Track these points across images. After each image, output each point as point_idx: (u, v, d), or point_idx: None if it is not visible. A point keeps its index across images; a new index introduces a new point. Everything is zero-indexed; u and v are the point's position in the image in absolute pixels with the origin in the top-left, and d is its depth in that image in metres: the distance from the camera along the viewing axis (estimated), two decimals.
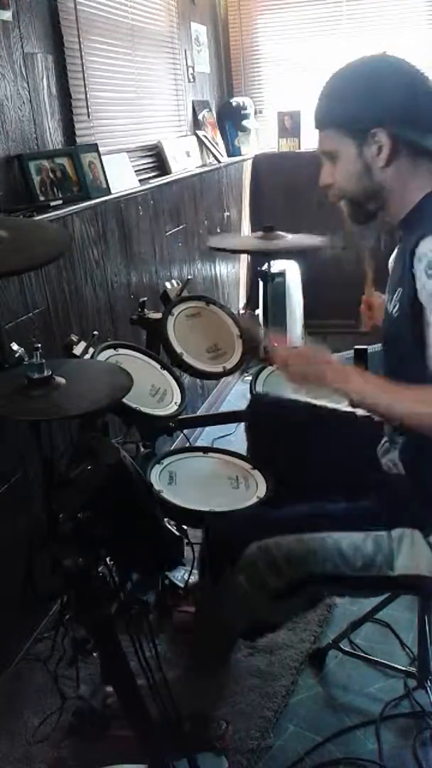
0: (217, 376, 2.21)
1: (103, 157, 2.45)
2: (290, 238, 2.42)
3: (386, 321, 1.39)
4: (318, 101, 1.36)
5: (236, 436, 2.93)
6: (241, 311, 4.18)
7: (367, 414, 1.73)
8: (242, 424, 1.95)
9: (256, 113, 4.29)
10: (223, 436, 2.99)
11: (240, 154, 4.11)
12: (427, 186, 1.31)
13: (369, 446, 1.59)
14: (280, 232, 2.42)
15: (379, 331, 1.52)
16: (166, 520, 1.74)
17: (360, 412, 1.75)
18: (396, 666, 1.86)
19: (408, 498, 1.38)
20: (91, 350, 1.81)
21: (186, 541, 1.80)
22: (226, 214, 3.89)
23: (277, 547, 1.36)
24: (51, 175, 2.17)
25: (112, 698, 1.69)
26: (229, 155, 4.00)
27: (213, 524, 1.52)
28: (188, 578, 2.03)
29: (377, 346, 1.55)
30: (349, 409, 1.84)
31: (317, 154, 1.40)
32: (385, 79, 1.29)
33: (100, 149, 2.45)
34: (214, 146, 3.74)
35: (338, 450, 1.64)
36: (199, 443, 2.87)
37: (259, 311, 3.14)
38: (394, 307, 1.32)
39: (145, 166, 3.04)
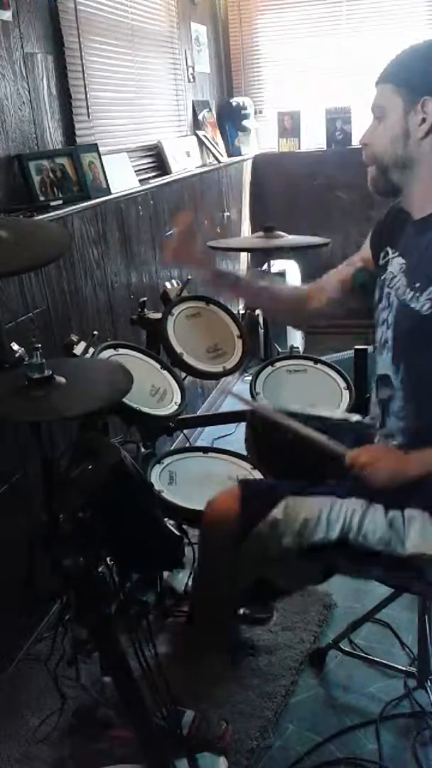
0: (217, 376, 2.21)
1: (103, 157, 2.45)
2: (290, 238, 2.43)
3: (409, 316, 1.37)
4: (391, 59, 1.40)
5: (236, 436, 2.93)
6: (241, 311, 4.18)
7: (361, 420, 1.73)
8: (242, 424, 1.94)
9: (256, 113, 4.29)
10: (223, 436, 2.99)
11: (240, 154, 4.11)
12: None
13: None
14: (280, 232, 2.43)
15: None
16: (166, 520, 1.74)
17: (355, 417, 1.76)
18: (396, 666, 1.86)
19: (411, 485, 1.39)
20: (91, 350, 1.81)
21: (186, 541, 1.80)
22: (226, 214, 3.89)
23: (310, 505, 1.38)
24: (51, 175, 2.17)
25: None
26: (229, 155, 4.00)
27: (245, 481, 1.51)
28: (187, 582, 2.03)
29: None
30: (343, 417, 1.84)
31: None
32: None
33: (100, 149, 2.45)
34: (214, 146, 3.74)
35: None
36: (199, 443, 2.87)
37: (259, 311, 3.14)
38: (424, 305, 1.31)
39: (145, 166, 3.04)
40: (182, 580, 2.05)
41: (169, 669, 1.55)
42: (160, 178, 3.02)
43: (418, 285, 1.34)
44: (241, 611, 1.97)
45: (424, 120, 1.30)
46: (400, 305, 1.39)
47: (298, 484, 1.45)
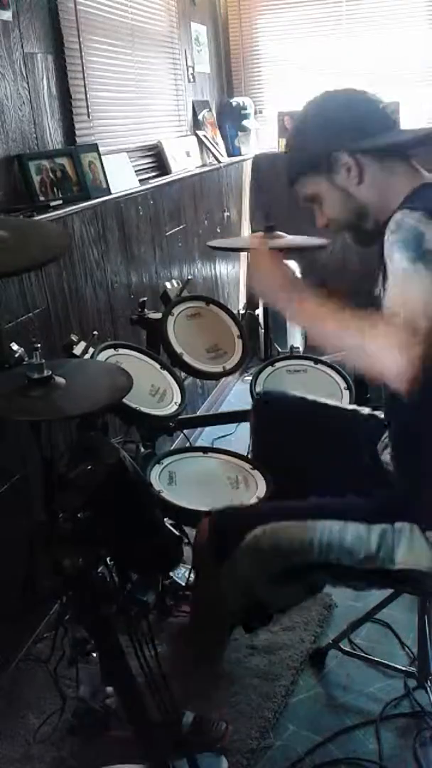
0: (217, 376, 2.21)
1: (103, 157, 2.45)
2: (290, 238, 2.42)
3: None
4: (287, 159, 1.46)
5: (236, 436, 2.93)
6: (241, 311, 4.19)
7: (372, 413, 1.73)
8: (242, 424, 1.95)
9: (256, 113, 4.29)
10: (223, 436, 2.99)
11: (240, 154, 4.11)
12: (409, 182, 1.33)
13: (370, 442, 1.60)
14: (280, 232, 2.42)
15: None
16: (166, 520, 1.74)
17: (366, 410, 1.76)
18: (396, 666, 1.86)
19: (403, 493, 1.39)
20: (91, 350, 1.81)
21: (186, 541, 1.80)
22: (226, 214, 3.89)
23: (283, 531, 1.38)
24: (51, 175, 2.17)
25: (112, 699, 1.69)
26: (229, 155, 4.00)
27: (219, 511, 1.52)
28: (189, 576, 2.03)
29: None
30: (352, 406, 1.85)
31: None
32: (327, 110, 1.40)
33: (100, 149, 2.45)
34: (214, 146, 3.74)
35: (340, 446, 1.64)
36: (199, 443, 2.87)
37: (259, 311, 3.14)
38: (379, 292, 1.32)
39: (145, 166, 3.04)
40: (184, 574, 2.05)
41: (169, 669, 1.55)
42: (160, 178, 3.02)
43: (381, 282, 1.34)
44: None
45: (349, 170, 1.35)
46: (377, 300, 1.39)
47: (274, 508, 1.47)
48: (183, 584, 2.04)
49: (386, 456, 1.51)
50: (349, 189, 1.37)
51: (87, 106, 2.48)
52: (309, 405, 1.78)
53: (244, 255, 4.17)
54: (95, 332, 1.92)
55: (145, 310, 2.20)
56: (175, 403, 1.94)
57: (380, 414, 1.67)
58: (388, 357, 1.12)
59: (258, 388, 2.21)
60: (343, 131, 1.35)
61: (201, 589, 1.60)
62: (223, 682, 1.85)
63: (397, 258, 1.17)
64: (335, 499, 1.43)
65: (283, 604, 1.57)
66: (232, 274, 4.06)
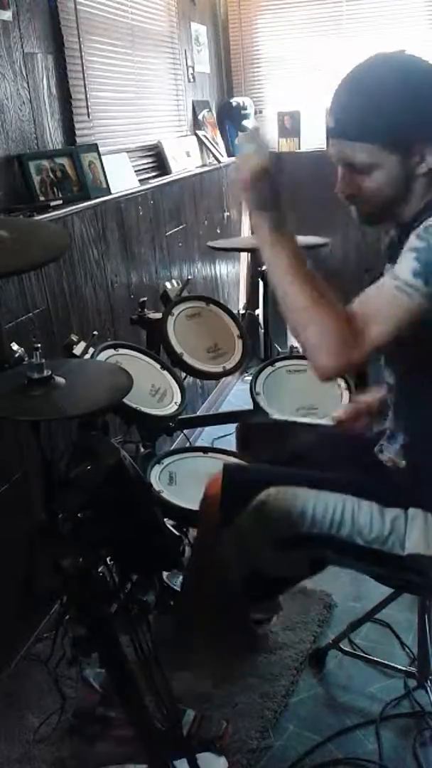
0: (217, 376, 2.21)
1: (103, 157, 2.45)
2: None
3: None
4: (348, 113, 1.26)
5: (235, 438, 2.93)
6: (241, 311, 4.19)
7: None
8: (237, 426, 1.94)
9: (256, 113, 4.29)
10: (223, 436, 2.98)
11: None
12: None
13: (365, 454, 1.58)
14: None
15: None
16: (166, 520, 1.74)
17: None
18: (396, 666, 1.86)
19: (413, 485, 1.38)
20: (91, 350, 1.81)
21: (186, 541, 1.80)
22: (226, 214, 3.89)
23: (295, 497, 1.35)
24: (51, 175, 2.17)
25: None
26: (229, 155, 3.99)
27: (231, 469, 1.47)
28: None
29: None
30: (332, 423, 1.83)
31: (326, 159, 1.34)
32: (421, 88, 1.23)
33: (100, 149, 2.45)
34: (214, 146, 3.74)
35: (335, 463, 1.62)
36: (199, 443, 2.87)
37: (259, 311, 3.14)
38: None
39: (145, 166, 3.04)
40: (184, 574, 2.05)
41: (169, 669, 1.55)
42: (160, 178, 3.02)
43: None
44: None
45: (422, 158, 1.24)
46: None
47: (288, 472, 1.43)
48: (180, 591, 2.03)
49: (386, 458, 1.50)
50: (414, 175, 1.25)
51: (87, 106, 2.48)
52: (288, 427, 1.75)
53: (244, 255, 4.18)
54: (95, 332, 1.93)
55: (145, 310, 2.20)
56: (175, 403, 1.94)
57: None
58: (324, 342, 1.13)
59: (258, 388, 2.21)
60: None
61: (202, 550, 1.55)
62: (223, 683, 1.85)
63: (404, 261, 1.16)
64: (352, 477, 1.41)
65: (283, 572, 1.52)
66: (232, 274, 4.06)
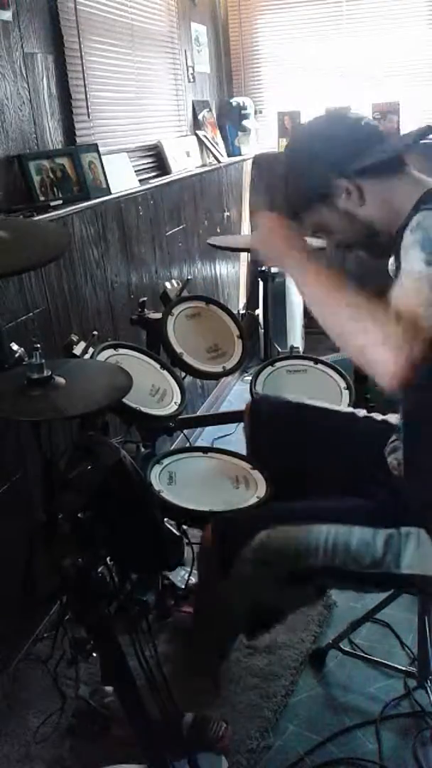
0: (217, 376, 2.21)
1: (103, 157, 2.45)
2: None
3: None
4: (284, 201, 1.45)
5: (236, 436, 2.93)
6: (241, 311, 4.19)
7: (369, 414, 1.73)
8: (242, 424, 1.94)
9: (256, 113, 4.29)
10: (223, 436, 2.99)
11: (240, 154, 4.10)
12: (413, 192, 1.30)
13: (372, 446, 1.59)
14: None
15: None
16: (166, 520, 1.74)
17: (362, 413, 1.76)
18: (396, 666, 1.86)
19: (410, 497, 1.38)
20: (91, 350, 1.81)
21: (186, 541, 1.80)
22: (226, 214, 3.89)
23: (287, 536, 1.38)
24: (51, 175, 2.17)
25: (112, 698, 1.69)
26: (229, 155, 4.00)
27: (222, 520, 1.51)
28: (188, 579, 2.03)
29: None
30: (350, 409, 1.84)
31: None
32: (310, 143, 1.39)
33: (100, 149, 2.45)
34: (214, 146, 3.74)
35: (340, 451, 1.63)
36: (199, 443, 2.87)
37: (259, 311, 3.14)
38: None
39: (145, 166, 3.04)
40: (184, 576, 2.05)
41: (169, 669, 1.55)
42: (160, 178, 3.02)
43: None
44: None
45: (348, 193, 1.34)
46: None
47: (278, 511, 1.46)
48: (182, 587, 2.04)
49: (393, 460, 1.51)
50: (354, 211, 1.36)
51: (87, 106, 2.48)
52: (303, 408, 1.77)
53: (244, 255, 4.17)
54: (95, 332, 1.92)
55: (145, 310, 2.20)
56: (175, 403, 1.94)
57: (390, 418, 1.66)
58: (383, 353, 1.11)
59: (258, 388, 2.21)
60: (332, 158, 1.35)
61: (205, 597, 1.59)
62: (223, 685, 1.85)
63: (411, 258, 1.17)
64: (339, 502, 1.43)
65: (291, 605, 1.56)
66: (232, 274, 4.06)
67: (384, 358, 1.10)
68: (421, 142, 1.34)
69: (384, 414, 1.71)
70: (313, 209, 1.40)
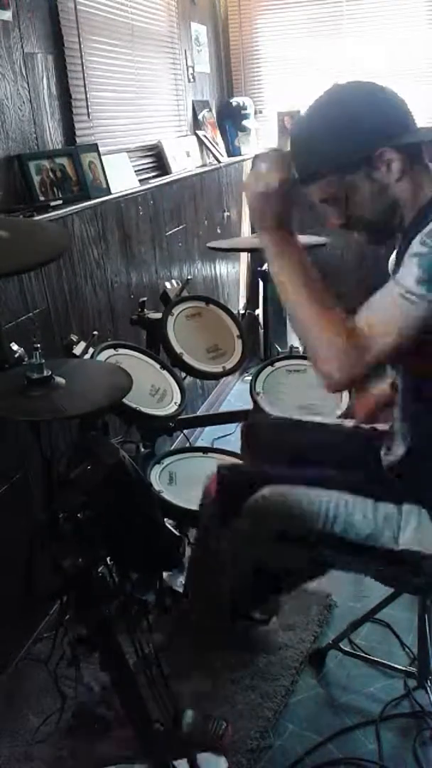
0: (217, 376, 2.22)
1: (103, 157, 2.45)
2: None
3: None
4: (301, 159, 1.34)
5: (236, 436, 2.92)
6: (241, 311, 4.19)
7: (359, 425, 1.72)
8: (242, 424, 1.94)
9: (256, 113, 4.29)
10: (223, 436, 2.99)
11: (240, 154, 4.10)
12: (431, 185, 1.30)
13: (365, 454, 1.58)
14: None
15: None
16: (166, 520, 1.74)
17: (347, 422, 1.75)
18: (396, 666, 1.86)
19: (411, 482, 1.38)
20: (91, 350, 1.81)
21: (186, 541, 1.80)
22: (226, 214, 3.89)
23: (290, 495, 1.37)
24: (51, 175, 2.17)
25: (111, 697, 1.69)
26: (229, 155, 4.00)
27: (225, 471, 1.49)
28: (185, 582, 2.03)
29: None
30: (339, 421, 1.83)
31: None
32: (359, 105, 1.30)
33: (100, 149, 2.45)
34: (214, 146, 3.74)
35: (336, 465, 1.62)
36: (199, 443, 2.87)
37: (259, 311, 3.14)
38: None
39: (145, 166, 3.04)
40: (182, 581, 2.05)
41: (169, 669, 1.55)
42: (160, 178, 3.02)
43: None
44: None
45: (389, 166, 1.28)
46: None
47: (283, 471, 1.45)
48: (181, 592, 2.03)
49: (387, 460, 1.50)
50: (388, 184, 1.29)
51: (87, 106, 2.48)
52: (299, 427, 1.75)
53: (244, 255, 4.17)
54: (95, 332, 1.93)
55: (145, 310, 2.20)
56: (175, 403, 1.94)
57: (378, 425, 1.65)
58: (330, 359, 1.17)
59: (258, 388, 2.21)
60: (379, 125, 1.27)
61: (203, 553, 1.57)
62: (222, 678, 1.85)
63: (407, 270, 1.16)
64: (344, 474, 1.42)
65: (285, 566, 1.54)
66: (232, 274, 4.06)
67: (329, 365, 1.18)
68: None
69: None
70: (341, 173, 1.30)
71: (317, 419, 1.79)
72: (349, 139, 1.28)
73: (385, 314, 1.18)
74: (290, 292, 1.28)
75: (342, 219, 1.36)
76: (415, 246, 1.17)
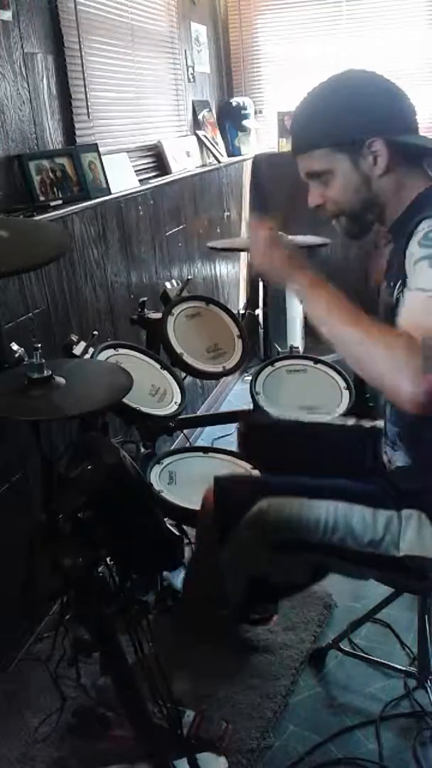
0: (217, 376, 2.21)
1: (103, 157, 2.45)
2: (290, 238, 2.42)
3: (386, 311, 1.36)
4: (299, 126, 1.37)
5: (236, 436, 2.93)
6: (241, 311, 4.19)
7: (359, 423, 1.72)
8: (238, 427, 1.94)
9: (256, 113, 4.30)
10: (223, 436, 2.98)
11: (240, 154, 4.11)
12: (421, 185, 1.31)
13: (366, 453, 1.58)
14: (280, 233, 2.43)
15: None
16: (165, 520, 1.74)
17: (350, 422, 1.75)
18: (396, 666, 1.86)
19: (411, 484, 1.38)
20: (91, 350, 1.81)
21: (186, 541, 1.80)
22: (226, 214, 3.89)
23: (287, 506, 1.37)
24: (51, 175, 2.17)
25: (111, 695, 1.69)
26: (229, 155, 4.00)
27: (223, 483, 1.48)
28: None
29: None
30: (340, 421, 1.83)
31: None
32: (368, 92, 1.32)
33: (100, 149, 2.45)
34: (214, 146, 3.74)
35: (336, 463, 1.62)
36: (199, 443, 2.87)
37: (259, 311, 3.14)
38: (397, 298, 1.30)
39: (145, 166, 3.04)
40: (182, 580, 2.05)
41: (169, 668, 1.55)
42: (160, 178, 3.02)
43: (392, 284, 1.32)
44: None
45: (376, 159, 1.29)
46: (383, 301, 1.38)
47: (281, 482, 1.44)
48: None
49: (384, 457, 1.51)
50: (370, 177, 1.31)
51: (87, 106, 2.48)
52: (299, 427, 1.74)
53: (244, 255, 4.17)
54: (95, 332, 1.92)
55: (145, 310, 2.20)
56: (175, 403, 1.94)
57: (379, 423, 1.65)
58: (401, 380, 1.07)
59: (258, 388, 2.21)
60: (383, 117, 1.29)
61: (200, 565, 1.57)
62: (222, 678, 1.85)
63: (422, 275, 1.15)
64: (342, 481, 1.42)
65: (285, 576, 1.54)
66: (232, 274, 4.06)
67: (403, 385, 1.07)
68: None
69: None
70: (333, 152, 1.32)
71: (317, 419, 1.78)
72: (346, 119, 1.31)
73: (424, 319, 1.13)
74: (335, 323, 1.21)
75: (320, 199, 1.39)
76: (417, 250, 1.18)
